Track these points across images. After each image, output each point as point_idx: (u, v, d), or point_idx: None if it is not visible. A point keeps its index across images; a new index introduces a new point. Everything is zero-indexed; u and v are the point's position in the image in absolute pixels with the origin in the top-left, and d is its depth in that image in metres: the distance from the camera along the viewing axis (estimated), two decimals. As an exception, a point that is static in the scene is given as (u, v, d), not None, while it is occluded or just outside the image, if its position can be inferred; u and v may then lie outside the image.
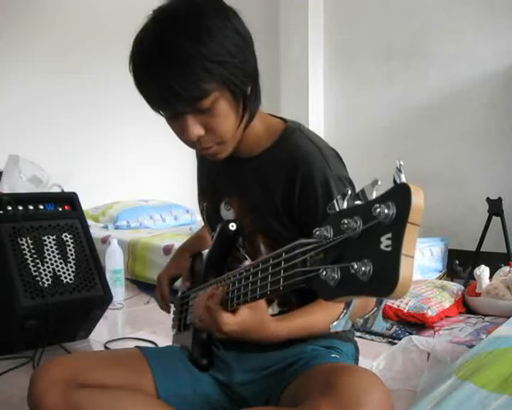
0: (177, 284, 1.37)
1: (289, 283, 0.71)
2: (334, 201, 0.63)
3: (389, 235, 0.53)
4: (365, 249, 0.56)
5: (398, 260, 0.52)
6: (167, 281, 1.34)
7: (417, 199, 0.52)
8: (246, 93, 1.00)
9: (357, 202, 0.60)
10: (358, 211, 0.58)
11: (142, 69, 0.97)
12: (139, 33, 0.98)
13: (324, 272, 0.61)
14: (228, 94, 0.96)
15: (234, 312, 0.89)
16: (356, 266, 0.55)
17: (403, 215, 0.52)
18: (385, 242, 0.53)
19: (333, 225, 0.62)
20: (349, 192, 0.62)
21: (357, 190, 0.61)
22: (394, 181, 0.55)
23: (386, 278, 0.53)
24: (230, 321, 0.89)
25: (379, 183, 0.59)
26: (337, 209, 0.62)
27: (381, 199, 0.55)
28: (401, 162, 0.56)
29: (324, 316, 0.97)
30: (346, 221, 0.58)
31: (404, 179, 0.55)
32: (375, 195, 0.58)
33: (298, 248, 0.70)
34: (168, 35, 0.93)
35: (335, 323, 0.64)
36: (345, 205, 0.61)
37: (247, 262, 1.01)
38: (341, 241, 0.60)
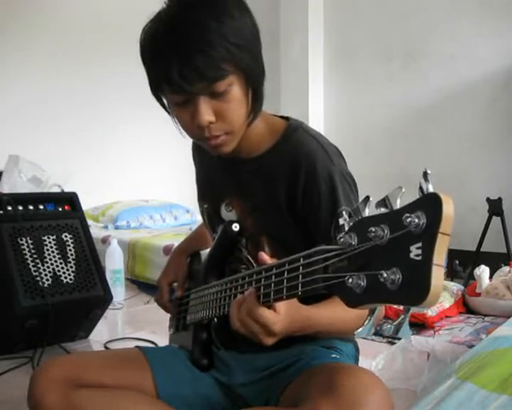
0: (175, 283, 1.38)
1: (309, 288, 0.71)
2: (356, 207, 0.63)
3: (419, 244, 0.53)
4: (393, 258, 0.56)
5: (430, 270, 0.52)
6: (167, 287, 1.35)
7: (448, 209, 0.53)
8: (257, 85, 1.00)
9: (382, 210, 0.60)
10: (385, 219, 0.58)
11: (162, 44, 0.94)
12: (157, 13, 0.97)
13: (351, 280, 0.61)
14: (242, 81, 0.97)
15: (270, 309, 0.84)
16: (385, 275, 0.55)
17: (434, 225, 0.53)
18: (415, 251, 0.54)
19: (357, 232, 0.61)
20: (371, 199, 0.62)
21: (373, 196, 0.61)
22: (421, 189, 0.56)
23: (417, 287, 0.53)
24: (278, 319, 0.82)
25: (403, 190, 0.59)
26: (360, 216, 0.62)
27: (411, 208, 0.55)
28: (428, 171, 0.56)
29: (346, 313, 0.92)
30: (373, 229, 0.58)
31: (431, 189, 0.55)
32: (399, 202, 0.58)
33: (318, 254, 0.69)
34: (190, 12, 0.93)
35: (360, 329, 0.64)
36: (367, 212, 0.61)
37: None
38: (367, 249, 0.59)
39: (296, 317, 0.86)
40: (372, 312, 0.62)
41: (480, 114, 3.41)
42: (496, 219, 2.98)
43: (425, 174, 0.57)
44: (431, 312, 2.20)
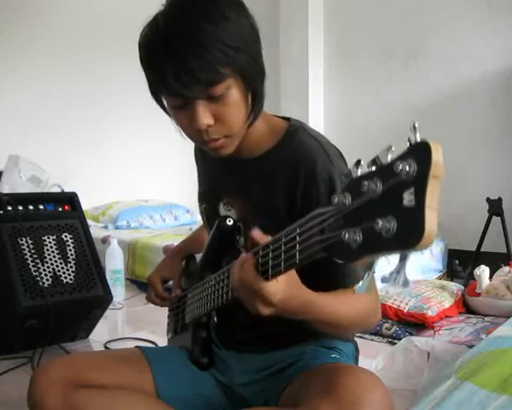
0: (171, 283, 1.37)
1: (307, 254, 0.70)
2: (349, 171, 0.63)
3: (411, 190, 0.54)
4: (387, 207, 0.56)
5: (424, 212, 0.52)
6: (160, 281, 1.33)
7: (437, 153, 0.54)
8: (257, 87, 1.00)
9: (374, 168, 0.60)
10: (377, 173, 0.58)
11: (157, 49, 0.94)
12: (154, 16, 0.97)
13: (347, 235, 0.60)
14: (241, 83, 0.96)
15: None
16: (380, 224, 0.55)
17: (424, 169, 0.53)
18: (407, 197, 0.54)
19: (350, 190, 0.62)
20: (362, 162, 0.62)
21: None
22: (409, 141, 0.56)
23: (412, 231, 0.53)
24: (277, 289, 0.79)
25: (393, 148, 0.59)
26: (353, 177, 0.62)
27: (401, 158, 0.56)
28: (417, 124, 0.57)
29: (351, 307, 0.94)
30: (365, 183, 0.58)
31: (419, 138, 0.56)
32: (389, 159, 0.58)
33: (314, 219, 0.69)
34: (187, 16, 0.93)
35: (360, 284, 0.64)
36: (359, 173, 0.61)
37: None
38: (361, 204, 0.60)
39: (297, 293, 0.83)
40: (370, 266, 0.62)
41: (480, 114, 3.41)
42: (496, 219, 2.98)
43: (414, 127, 0.57)
44: (431, 312, 2.21)
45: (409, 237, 0.54)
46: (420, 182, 0.53)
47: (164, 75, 0.93)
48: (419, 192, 0.53)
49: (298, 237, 0.72)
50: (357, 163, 0.62)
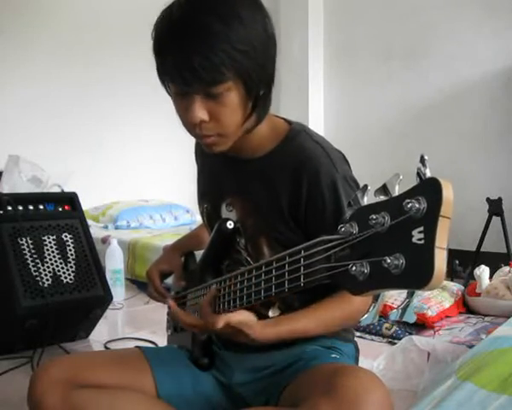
0: (169, 281, 1.35)
1: (312, 279, 0.71)
2: (355, 196, 0.63)
3: (421, 228, 0.54)
4: (396, 244, 0.56)
5: (433, 252, 0.52)
6: (158, 275, 1.31)
7: (448, 192, 0.54)
8: (258, 94, 0.99)
9: (382, 198, 0.60)
10: (385, 206, 0.58)
11: (165, 40, 0.95)
12: (171, 4, 0.97)
13: (354, 268, 0.61)
14: (241, 88, 0.96)
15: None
16: (389, 260, 0.55)
17: (434, 209, 0.53)
18: (417, 235, 0.54)
19: (358, 220, 0.62)
20: (369, 187, 0.62)
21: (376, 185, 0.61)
22: (418, 175, 0.56)
23: (421, 271, 0.53)
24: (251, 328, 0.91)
25: (401, 177, 0.59)
26: (359, 205, 0.62)
27: (411, 194, 0.56)
28: (425, 156, 0.57)
29: (335, 316, 0.97)
30: (374, 217, 0.58)
31: (429, 173, 0.56)
32: (397, 189, 0.58)
33: (319, 245, 0.69)
34: (200, 12, 0.93)
35: (366, 316, 0.64)
36: (365, 200, 0.62)
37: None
38: (369, 236, 0.60)
39: (276, 328, 0.93)
40: (376, 298, 0.62)
41: (480, 113, 3.41)
42: (496, 219, 2.98)
43: (422, 159, 0.57)
44: (431, 312, 2.20)
45: (417, 276, 0.54)
46: (430, 221, 0.53)
47: (168, 66, 0.94)
48: (429, 232, 0.53)
49: (303, 260, 0.72)
50: (364, 189, 0.62)
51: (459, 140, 3.49)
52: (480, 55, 3.38)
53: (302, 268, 0.73)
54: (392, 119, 3.83)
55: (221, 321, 0.89)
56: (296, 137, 1.06)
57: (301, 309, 0.99)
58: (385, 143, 3.83)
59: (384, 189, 0.60)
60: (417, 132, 3.69)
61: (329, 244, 0.67)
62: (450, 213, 0.54)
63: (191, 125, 0.98)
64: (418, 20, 3.67)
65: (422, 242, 0.53)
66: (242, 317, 0.90)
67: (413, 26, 3.69)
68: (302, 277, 0.73)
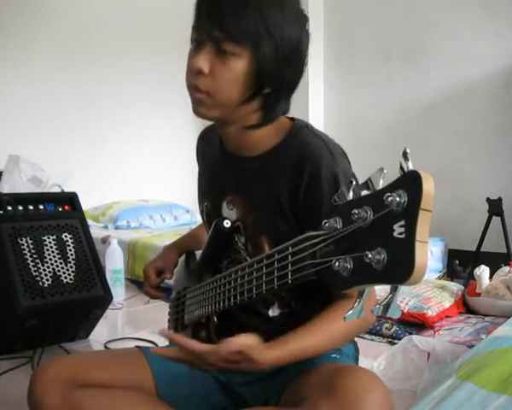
0: (170, 282, 1.37)
1: (299, 276, 0.71)
2: (341, 191, 0.63)
3: (402, 222, 0.54)
4: (378, 238, 0.56)
5: (413, 246, 0.52)
6: (154, 272, 1.34)
7: (428, 185, 0.53)
8: (264, 86, 0.99)
9: (365, 192, 0.60)
10: (367, 201, 0.58)
11: None
12: None
13: (337, 263, 0.61)
14: (251, 66, 0.96)
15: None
16: (370, 255, 0.55)
17: (415, 202, 0.53)
18: (398, 229, 0.54)
19: (342, 215, 0.62)
20: (354, 183, 0.62)
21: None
22: (401, 168, 0.56)
23: (402, 265, 0.53)
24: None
25: (385, 171, 0.59)
26: (344, 200, 0.62)
27: (391, 188, 0.55)
28: (408, 150, 0.56)
29: (334, 333, 0.96)
30: (356, 211, 0.58)
31: (411, 167, 0.55)
32: (381, 183, 0.58)
33: (306, 241, 0.69)
34: None
35: (350, 312, 0.64)
36: (351, 195, 0.61)
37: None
38: (352, 231, 0.60)
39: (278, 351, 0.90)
40: (361, 294, 0.62)
41: (480, 113, 3.41)
42: (496, 219, 2.98)
43: (404, 153, 0.56)
44: (431, 312, 2.20)
45: (399, 270, 0.54)
46: (410, 215, 0.53)
47: (202, 9, 0.97)
48: (409, 225, 0.53)
49: (290, 257, 0.73)
50: (349, 184, 0.62)
51: (459, 140, 3.49)
52: (481, 55, 3.38)
53: (290, 265, 0.73)
54: (392, 118, 3.83)
55: (230, 345, 0.88)
56: (299, 132, 1.06)
57: (307, 324, 0.96)
58: (385, 142, 3.83)
59: (368, 183, 0.60)
60: (417, 132, 3.69)
61: (315, 240, 0.67)
62: (431, 207, 0.53)
63: (190, 72, 1.00)
64: (418, 20, 3.66)
65: (403, 236, 0.53)
66: (247, 340, 0.89)
67: (413, 26, 3.69)
68: (290, 273, 0.73)
